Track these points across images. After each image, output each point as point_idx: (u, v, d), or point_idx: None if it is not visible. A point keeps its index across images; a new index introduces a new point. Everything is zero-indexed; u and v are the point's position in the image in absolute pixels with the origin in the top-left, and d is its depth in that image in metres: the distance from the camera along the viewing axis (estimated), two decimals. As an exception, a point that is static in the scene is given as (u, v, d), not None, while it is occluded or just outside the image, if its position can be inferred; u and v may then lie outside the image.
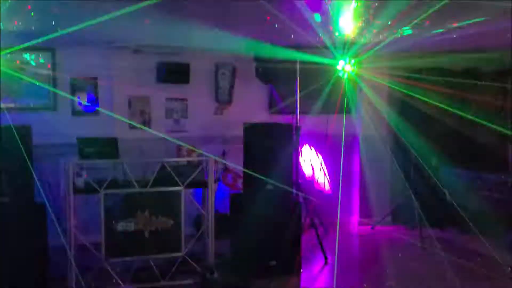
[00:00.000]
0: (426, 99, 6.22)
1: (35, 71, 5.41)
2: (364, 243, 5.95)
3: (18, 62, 5.39)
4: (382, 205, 6.45)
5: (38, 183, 4.33)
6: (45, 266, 4.41)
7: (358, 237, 6.13)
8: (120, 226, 4.38)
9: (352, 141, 6.50)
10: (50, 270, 4.47)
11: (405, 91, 6.27)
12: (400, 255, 5.46)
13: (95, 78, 5.68)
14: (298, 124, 5.41)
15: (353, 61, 5.38)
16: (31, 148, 4.25)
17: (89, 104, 5.74)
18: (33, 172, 4.21)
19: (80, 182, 4.34)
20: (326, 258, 5.21)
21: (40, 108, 5.48)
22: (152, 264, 4.50)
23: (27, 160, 4.15)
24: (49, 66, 5.48)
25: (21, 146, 4.09)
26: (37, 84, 5.32)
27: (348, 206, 6.61)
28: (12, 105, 5.36)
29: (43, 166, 4.94)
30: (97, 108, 5.72)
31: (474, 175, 6.13)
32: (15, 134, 4.08)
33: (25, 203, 4.23)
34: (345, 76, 5.40)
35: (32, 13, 3.91)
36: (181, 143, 4.85)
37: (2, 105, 5.33)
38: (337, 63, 5.34)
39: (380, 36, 5.15)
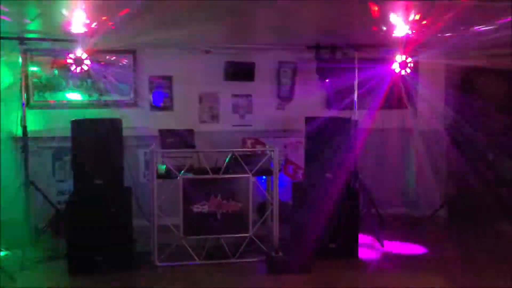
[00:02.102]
0: (483, 95, 6.41)
1: (118, 71, 6.09)
2: (416, 233, 6.17)
3: (103, 63, 6.08)
4: (438, 198, 6.65)
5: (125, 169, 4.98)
6: (131, 241, 5.02)
7: (410, 227, 6.37)
8: (196, 208, 4.93)
9: (408, 135, 6.77)
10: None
11: (462, 87, 6.47)
12: (453, 244, 5.69)
13: (170, 77, 6.29)
14: (356, 119, 5.76)
15: (410, 58, 5.64)
16: (122, 138, 4.87)
17: (162, 99, 6.34)
18: (123, 159, 4.85)
19: (162, 168, 4.92)
20: (381, 243, 5.55)
21: (123, 104, 6.13)
22: (223, 243, 5.04)
23: (118, 148, 4.79)
24: (131, 66, 6.14)
25: (113, 136, 4.75)
26: (120, 82, 6.06)
27: (401, 198, 6.90)
28: (98, 101, 6.10)
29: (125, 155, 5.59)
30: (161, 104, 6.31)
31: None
32: (109, 125, 4.72)
33: (116, 186, 4.83)
34: (402, 73, 5.67)
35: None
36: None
37: (88, 102, 6.08)
38: (395, 61, 5.63)
39: (437, 35, 5.40)
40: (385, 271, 4.90)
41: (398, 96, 6.53)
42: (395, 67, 5.62)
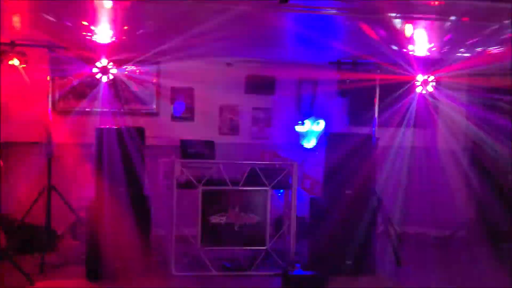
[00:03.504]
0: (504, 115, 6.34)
1: (142, 81, 6.20)
2: (435, 252, 6.10)
3: (127, 73, 6.19)
4: (457, 218, 6.57)
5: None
6: (149, 249, 5.05)
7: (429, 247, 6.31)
8: (214, 219, 4.96)
9: (428, 154, 6.71)
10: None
11: (484, 106, 6.42)
12: (472, 266, 5.60)
13: (192, 88, 6.38)
14: (376, 136, 5.75)
15: (431, 77, 5.64)
16: (144, 147, 4.94)
17: (183, 110, 6.42)
18: (144, 168, 4.91)
19: (182, 178, 4.97)
20: (398, 261, 5.50)
21: (145, 114, 6.23)
22: (239, 255, 5.04)
23: (140, 156, 4.85)
24: (155, 77, 6.25)
25: (136, 144, 4.82)
26: (144, 92, 6.17)
27: (420, 217, 6.82)
28: (122, 110, 6.19)
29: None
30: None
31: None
32: (132, 134, 4.80)
33: (136, 194, 4.89)
34: (423, 91, 5.67)
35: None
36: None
37: (112, 110, 6.18)
38: (416, 79, 5.63)
39: (458, 54, 5.40)
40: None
41: (420, 114, 6.50)
42: (417, 85, 5.62)
